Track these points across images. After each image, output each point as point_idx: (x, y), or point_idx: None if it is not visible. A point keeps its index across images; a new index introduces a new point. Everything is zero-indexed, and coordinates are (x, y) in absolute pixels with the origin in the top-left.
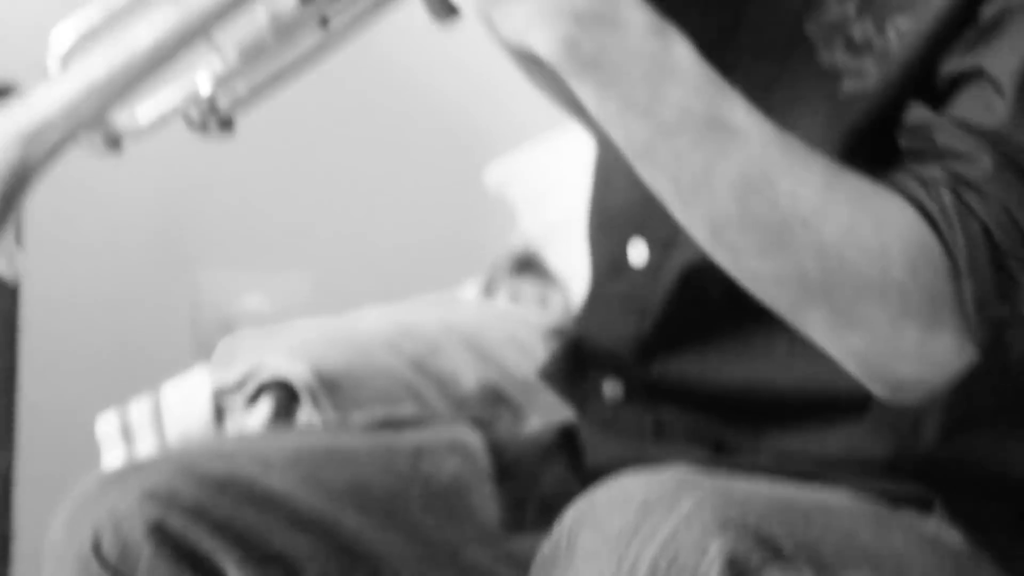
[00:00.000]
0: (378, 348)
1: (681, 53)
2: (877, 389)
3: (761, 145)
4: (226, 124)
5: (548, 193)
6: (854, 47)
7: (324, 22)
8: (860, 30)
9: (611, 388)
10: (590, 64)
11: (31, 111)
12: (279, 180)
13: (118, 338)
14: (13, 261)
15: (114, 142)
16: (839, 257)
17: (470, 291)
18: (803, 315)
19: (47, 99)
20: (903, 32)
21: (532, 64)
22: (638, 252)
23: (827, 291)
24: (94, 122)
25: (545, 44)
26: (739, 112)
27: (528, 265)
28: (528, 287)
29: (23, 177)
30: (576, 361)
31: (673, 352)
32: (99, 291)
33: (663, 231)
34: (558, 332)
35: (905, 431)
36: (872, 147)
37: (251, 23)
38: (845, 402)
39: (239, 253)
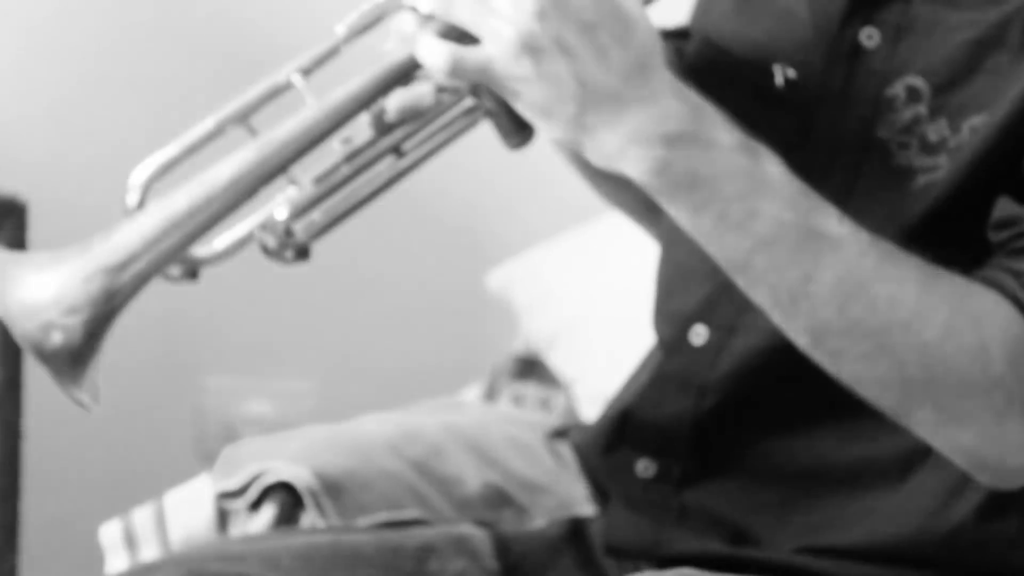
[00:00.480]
0: (380, 452)
1: (771, 167)
2: (984, 480)
3: (857, 252)
4: (302, 253)
5: (550, 297)
6: (929, 147)
7: (398, 151)
8: (935, 131)
9: (644, 466)
10: (683, 184)
11: (115, 245)
12: (281, 287)
13: (122, 446)
14: (97, 393)
15: (192, 272)
16: (940, 357)
17: (472, 395)
18: (908, 415)
19: (130, 234)
20: (976, 128)
21: (606, 182)
22: (698, 333)
23: (931, 391)
24: (176, 257)
25: (638, 167)
26: (832, 221)
27: (530, 368)
28: (531, 390)
29: (107, 311)
30: (616, 436)
31: (727, 430)
32: (103, 398)
33: (725, 319)
34: (561, 433)
35: (936, 508)
36: (936, 233)
37: (327, 154)
38: (883, 479)
39: (242, 360)
